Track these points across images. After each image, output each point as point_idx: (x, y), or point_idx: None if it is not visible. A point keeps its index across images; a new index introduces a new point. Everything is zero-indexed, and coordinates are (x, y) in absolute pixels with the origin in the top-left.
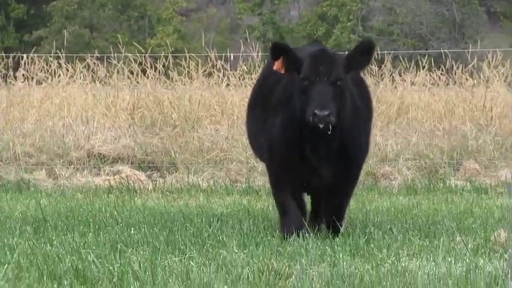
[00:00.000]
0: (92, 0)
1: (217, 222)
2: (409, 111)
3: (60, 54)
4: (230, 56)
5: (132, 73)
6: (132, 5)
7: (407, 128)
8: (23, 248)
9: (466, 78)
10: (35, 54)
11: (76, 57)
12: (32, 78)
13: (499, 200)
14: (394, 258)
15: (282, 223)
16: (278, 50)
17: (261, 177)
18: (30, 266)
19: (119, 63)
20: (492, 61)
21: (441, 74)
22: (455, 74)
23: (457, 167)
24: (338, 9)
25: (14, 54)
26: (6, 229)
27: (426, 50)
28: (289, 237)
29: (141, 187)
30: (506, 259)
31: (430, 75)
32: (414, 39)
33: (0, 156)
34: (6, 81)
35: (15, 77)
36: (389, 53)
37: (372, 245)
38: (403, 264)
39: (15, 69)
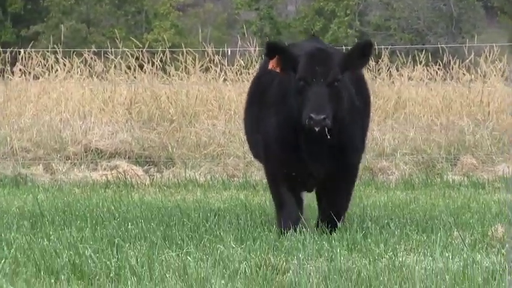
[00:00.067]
0: None
1: (215, 217)
2: (406, 106)
3: (57, 49)
4: (227, 51)
5: (129, 68)
6: (129, 0)
7: (404, 122)
8: (20, 243)
9: (463, 73)
10: (32, 49)
11: (73, 52)
12: (29, 73)
13: (497, 195)
14: (391, 253)
15: (279, 218)
16: (273, 49)
17: (258, 172)
18: (27, 261)
19: (116, 58)
20: (489, 56)
21: (438, 69)
22: (452, 69)
23: (454, 162)
24: (335, 4)
25: (11, 49)
26: (4, 224)
27: (423, 44)
28: (287, 232)
29: (139, 182)
30: (503, 254)
31: (428, 70)
32: (411, 34)
33: None
34: (3, 76)
35: (13, 72)
36: (387, 48)
37: (369, 240)
38: (401, 259)
39: (13, 64)
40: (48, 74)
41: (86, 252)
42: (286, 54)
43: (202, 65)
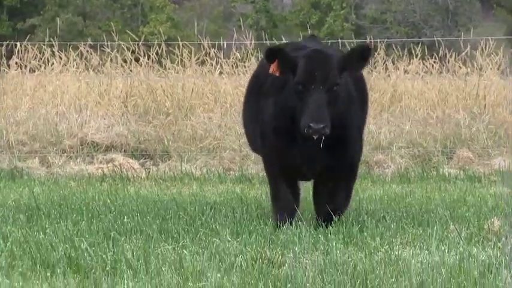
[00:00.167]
0: None
1: (211, 211)
2: (402, 99)
3: (53, 42)
4: (223, 44)
5: (125, 61)
6: None
7: (400, 116)
8: (16, 237)
9: (460, 67)
10: (28, 42)
11: (69, 45)
12: (25, 66)
13: (493, 189)
14: (387, 246)
15: (275, 211)
16: (272, 54)
17: (254, 165)
18: (23, 255)
19: (112, 51)
20: (485, 49)
21: (434, 62)
22: (448, 62)
23: (450, 155)
24: None
25: (7, 42)
26: None
27: (419, 38)
28: (282, 225)
29: (134, 175)
30: (499, 247)
31: (423, 64)
32: (407, 27)
33: None
34: None
35: (9, 65)
36: (383, 41)
37: (365, 234)
38: (397, 253)
39: (9, 58)
40: (44, 67)
41: (82, 245)
42: (285, 57)
43: (198, 58)
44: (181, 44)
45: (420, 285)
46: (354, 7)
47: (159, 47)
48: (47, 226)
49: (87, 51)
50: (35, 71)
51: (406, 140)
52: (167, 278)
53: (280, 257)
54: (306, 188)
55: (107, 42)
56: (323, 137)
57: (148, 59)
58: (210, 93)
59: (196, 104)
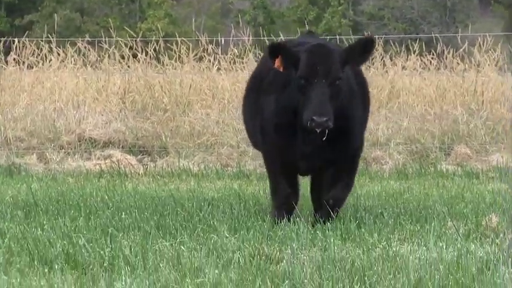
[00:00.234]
0: None
1: (208, 207)
2: (400, 95)
3: (51, 39)
4: (221, 40)
5: (123, 57)
6: None
7: (398, 112)
8: (14, 233)
9: (457, 63)
10: (26, 39)
11: (67, 42)
12: (23, 62)
13: (490, 185)
14: (385, 242)
15: (274, 206)
16: (275, 49)
17: (251, 161)
18: (21, 251)
19: (110, 47)
20: (483, 45)
21: (432, 58)
22: (446, 59)
23: (448, 151)
24: None
25: (5, 38)
26: None
27: (417, 34)
28: (280, 222)
29: (132, 171)
30: (497, 244)
31: (421, 60)
32: (405, 24)
33: None
34: None
35: (6, 62)
36: (380, 37)
37: (363, 230)
38: (394, 249)
39: (6, 54)
40: (42, 64)
41: (80, 241)
42: (287, 51)
43: (196, 54)
44: (179, 40)
45: (418, 281)
46: (352, 3)
47: (157, 43)
48: (44, 222)
49: (85, 47)
50: (32, 67)
51: (404, 136)
52: (165, 274)
53: (278, 253)
54: (304, 185)
55: (105, 38)
56: (326, 131)
57: (146, 55)
58: (208, 90)
59: (194, 100)
